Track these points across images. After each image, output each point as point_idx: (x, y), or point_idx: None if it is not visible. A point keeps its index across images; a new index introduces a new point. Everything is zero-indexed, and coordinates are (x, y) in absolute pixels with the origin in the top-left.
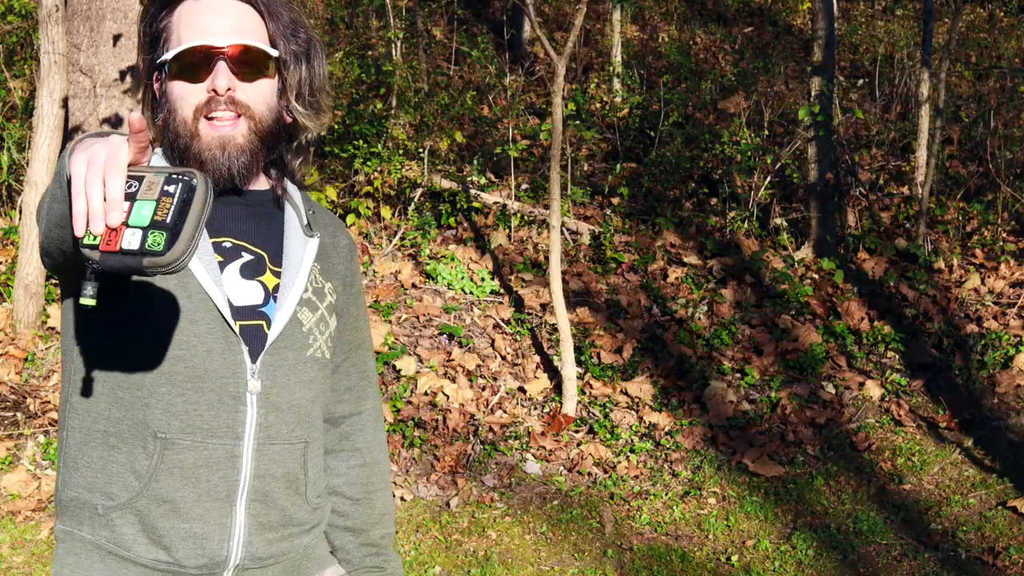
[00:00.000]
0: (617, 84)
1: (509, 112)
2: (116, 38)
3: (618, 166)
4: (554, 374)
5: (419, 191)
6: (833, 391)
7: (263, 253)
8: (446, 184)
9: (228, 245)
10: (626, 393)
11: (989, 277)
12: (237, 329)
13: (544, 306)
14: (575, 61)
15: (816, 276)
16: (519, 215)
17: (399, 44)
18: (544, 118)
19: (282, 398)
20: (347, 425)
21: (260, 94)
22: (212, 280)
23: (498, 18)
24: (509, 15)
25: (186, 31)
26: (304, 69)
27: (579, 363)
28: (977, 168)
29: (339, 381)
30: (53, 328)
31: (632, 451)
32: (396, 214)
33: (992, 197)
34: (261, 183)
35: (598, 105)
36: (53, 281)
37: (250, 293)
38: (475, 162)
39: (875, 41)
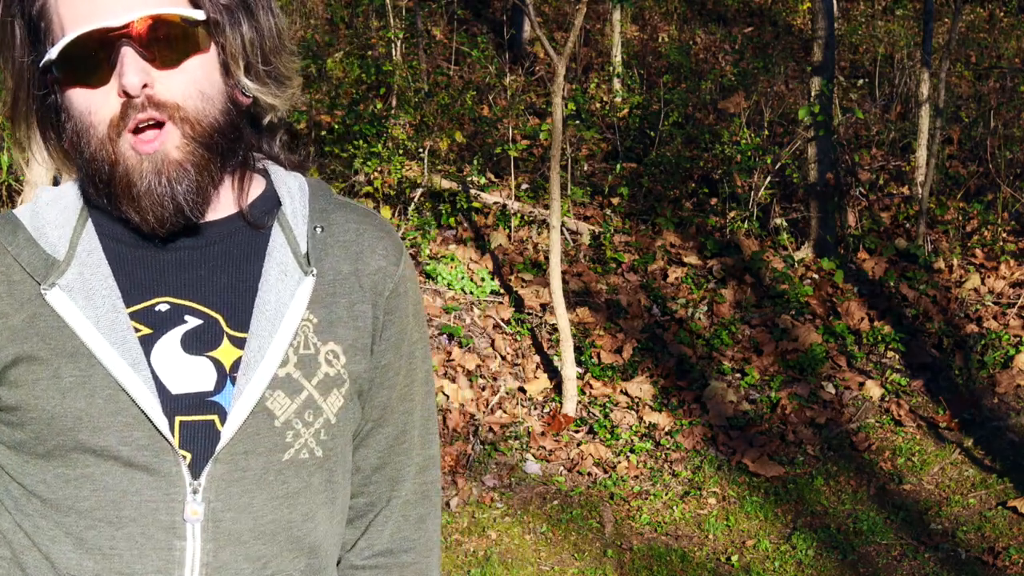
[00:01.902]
0: (617, 84)
1: (509, 112)
2: None
3: (618, 166)
4: (554, 374)
5: (419, 191)
6: (833, 391)
7: (216, 315)
8: (446, 184)
9: (164, 308)
10: (626, 393)
11: (989, 277)
12: (173, 430)
13: (544, 306)
14: (575, 61)
15: (816, 276)
16: (519, 215)
17: (399, 44)
18: (544, 118)
19: (243, 525)
20: (368, 518)
21: (191, 81)
22: (127, 363)
23: (498, 18)
24: (509, 15)
25: (68, 13)
26: (246, 27)
27: (579, 363)
28: (977, 168)
29: (364, 459)
30: None
31: (632, 451)
32: (396, 214)
33: (992, 197)
34: (227, 205)
35: (598, 105)
36: None
37: (195, 375)
38: (475, 162)
39: (875, 41)
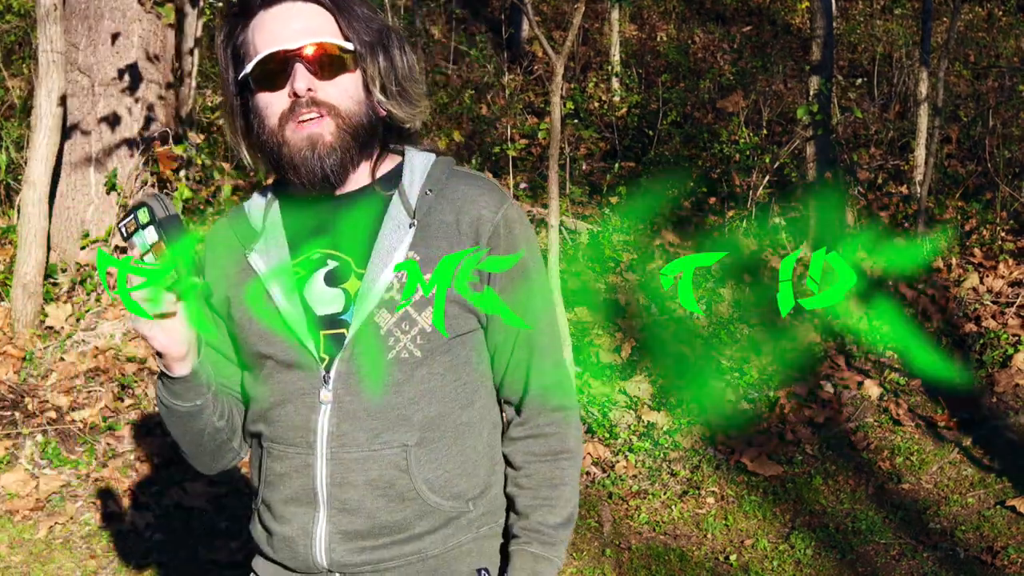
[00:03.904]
0: (615, 83)
1: (507, 111)
2: (114, 37)
3: (616, 165)
4: None
5: None
6: (832, 390)
7: (348, 258)
8: None
9: (316, 256)
10: (624, 392)
11: (988, 276)
12: (319, 341)
13: None
14: (573, 60)
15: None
16: None
17: None
18: (542, 117)
19: (357, 406)
20: (522, 406)
21: (343, 90)
22: (284, 296)
23: (496, 17)
24: (507, 14)
25: (260, 42)
26: (382, 59)
27: (577, 362)
28: (976, 167)
29: (503, 357)
30: (51, 328)
31: (631, 450)
32: None
33: (991, 196)
34: (363, 178)
35: (596, 104)
36: (51, 280)
37: (332, 301)
38: (473, 161)
39: (874, 40)
